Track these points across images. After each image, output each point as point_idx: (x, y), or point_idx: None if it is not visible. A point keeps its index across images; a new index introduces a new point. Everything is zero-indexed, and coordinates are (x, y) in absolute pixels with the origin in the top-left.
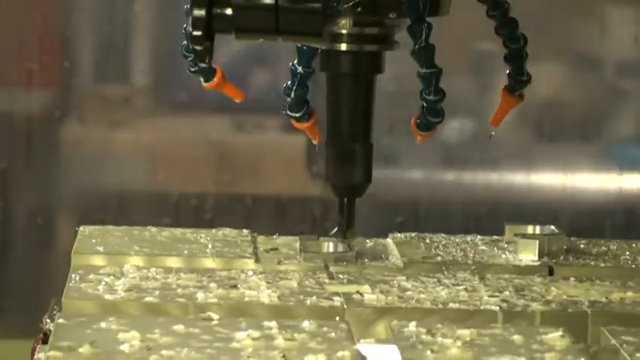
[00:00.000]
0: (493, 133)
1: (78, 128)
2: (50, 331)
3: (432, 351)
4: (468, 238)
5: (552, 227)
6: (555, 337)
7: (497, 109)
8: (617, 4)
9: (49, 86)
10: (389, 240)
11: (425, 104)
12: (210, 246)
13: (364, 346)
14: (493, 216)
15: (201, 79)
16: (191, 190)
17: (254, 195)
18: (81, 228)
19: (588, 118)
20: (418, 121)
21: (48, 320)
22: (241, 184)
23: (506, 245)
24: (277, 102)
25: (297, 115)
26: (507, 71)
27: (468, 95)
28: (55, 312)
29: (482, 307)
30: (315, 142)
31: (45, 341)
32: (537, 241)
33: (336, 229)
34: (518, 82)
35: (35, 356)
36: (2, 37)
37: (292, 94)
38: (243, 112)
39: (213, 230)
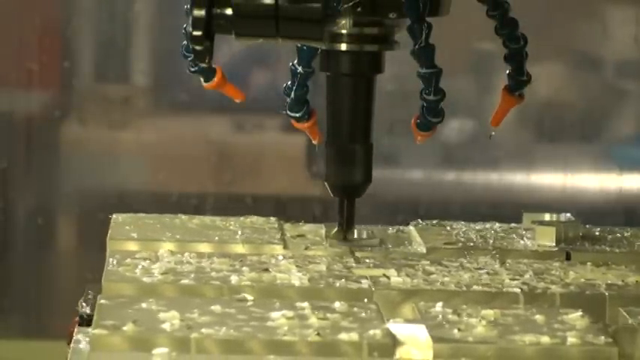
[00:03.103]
0: (493, 133)
1: (78, 128)
2: (86, 314)
3: (459, 330)
4: (487, 225)
5: (568, 215)
6: (575, 317)
7: (497, 109)
8: (618, 4)
9: (49, 86)
10: (411, 227)
11: (425, 104)
12: (239, 232)
13: (394, 325)
14: (493, 216)
15: (202, 79)
16: (191, 190)
17: (254, 195)
18: (114, 216)
19: (588, 118)
20: (418, 121)
21: (84, 304)
22: (241, 184)
23: (524, 232)
24: (277, 102)
25: (297, 115)
26: (507, 71)
27: (468, 95)
28: (89, 296)
29: (504, 290)
30: (315, 142)
31: (81, 324)
32: (554, 227)
33: (335, 229)
34: (518, 82)
35: (74, 337)
36: (2, 37)
37: (292, 94)
38: (243, 112)
39: (242, 218)
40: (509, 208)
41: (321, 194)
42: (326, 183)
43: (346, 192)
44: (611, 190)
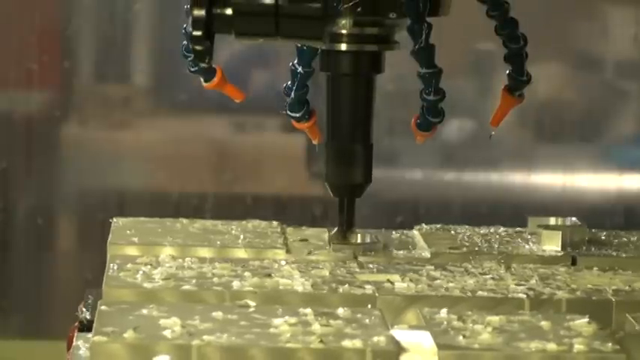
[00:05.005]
0: (493, 133)
1: (78, 128)
2: (86, 319)
3: (464, 336)
4: (492, 229)
5: (574, 219)
6: (582, 323)
7: (497, 109)
8: (617, 4)
9: (49, 86)
10: (415, 231)
11: (425, 104)
12: (241, 237)
13: (398, 332)
14: (493, 216)
15: (202, 79)
16: (191, 190)
17: (254, 195)
18: (114, 220)
19: (588, 118)
20: (418, 121)
21: (83, 309)
22: (241, 184)
23: (529, 236)
24: (277, 102)
25: (297, 115)
26: (507, 71)
27: (467, 95)
28: (89, 301)
29: (509, 295)
30: (315, 142)
31: (82, 329)
32: (560, 232)
33: (336, 229)
34: (518, 82)
35: (74, 343)
36: (2, 37)
37: (292, 94)
38: (243, 112)
39: (244, 222)
40: (510, 208)
41: (321, 194)
42: (326, 183)
43: (346, 192)
44: (611, 190)
